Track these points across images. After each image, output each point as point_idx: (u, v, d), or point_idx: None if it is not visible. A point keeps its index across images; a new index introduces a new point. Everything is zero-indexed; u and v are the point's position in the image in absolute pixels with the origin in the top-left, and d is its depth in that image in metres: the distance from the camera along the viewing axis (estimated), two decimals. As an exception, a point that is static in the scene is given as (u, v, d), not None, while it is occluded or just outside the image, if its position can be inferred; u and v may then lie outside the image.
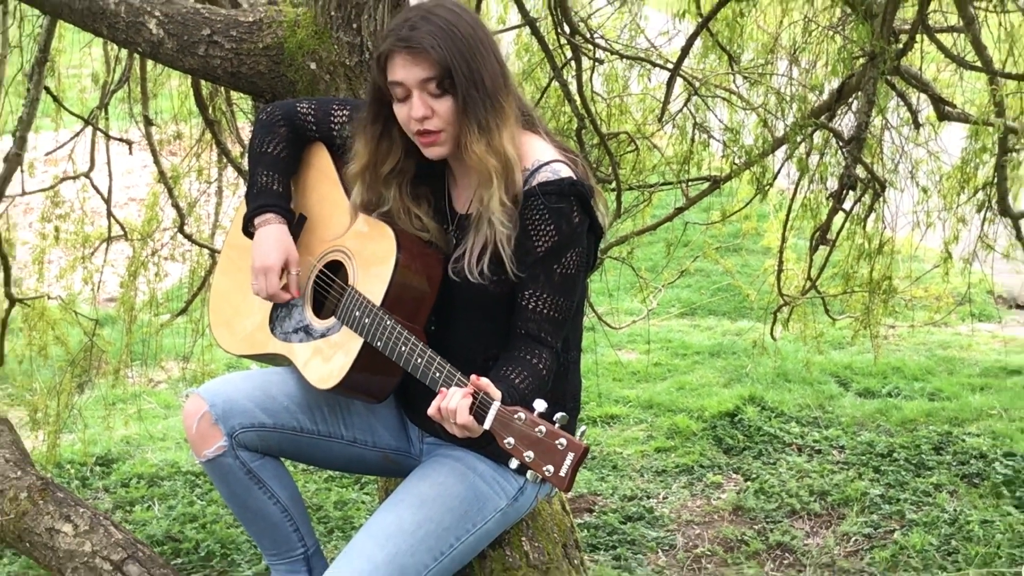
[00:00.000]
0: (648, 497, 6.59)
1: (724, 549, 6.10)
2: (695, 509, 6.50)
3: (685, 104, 6.36)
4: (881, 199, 6.03)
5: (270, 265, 3.24)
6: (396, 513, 3.12)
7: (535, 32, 5.66)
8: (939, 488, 6.54)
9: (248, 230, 3.34)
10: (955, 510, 6.30)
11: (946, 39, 5.76)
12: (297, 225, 3.37)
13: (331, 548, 5.84)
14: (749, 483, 6.67)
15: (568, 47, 5.97)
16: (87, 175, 6.57)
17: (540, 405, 2.74)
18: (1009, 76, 5.48)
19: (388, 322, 3.04)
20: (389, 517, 3.11)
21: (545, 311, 3.06)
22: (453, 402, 2.81)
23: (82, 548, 3.44)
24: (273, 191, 3.33)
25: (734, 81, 6.37)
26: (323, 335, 3.23)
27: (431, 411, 2.85)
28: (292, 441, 3.30)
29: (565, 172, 3.05)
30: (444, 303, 3.15)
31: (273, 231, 3.28)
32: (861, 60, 5.22)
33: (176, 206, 6.50)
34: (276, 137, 3.37)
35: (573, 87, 5.82)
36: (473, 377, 2.81)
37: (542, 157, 3.07)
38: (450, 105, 3.00)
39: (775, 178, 6.21)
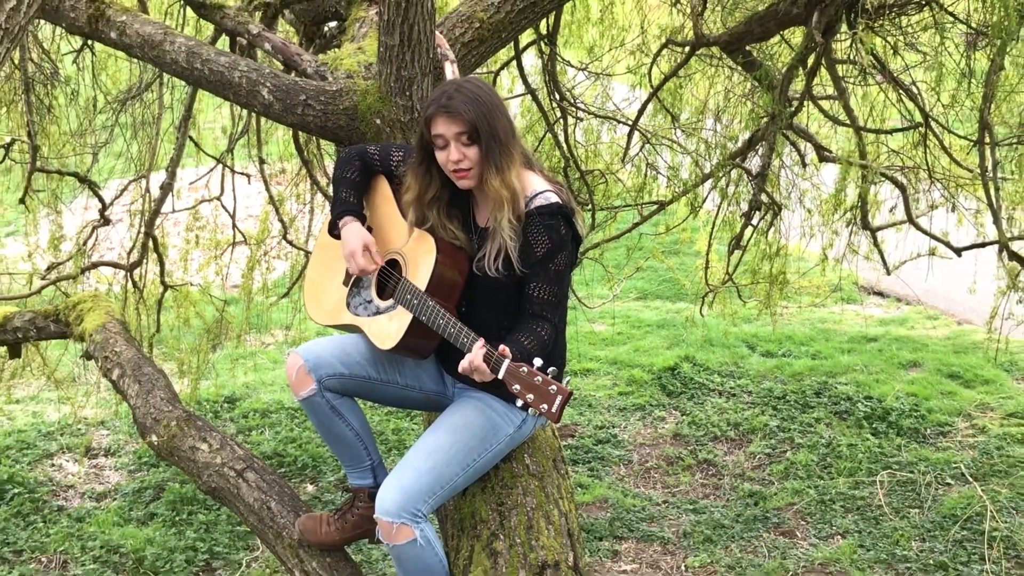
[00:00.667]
0: (613, 427, 6.60)
1: (667, 464, 6.10)
2: (646, 435, 6.50)
3: (640, 149, 6.36)
4: (778, 217, 6.03)
5: (355, 249, 3.23)
6: (435, 437, 3.12)
7: (535, 98, 5.66)
8: (819, 421, 6.55)
9: (333, 232, 3.33)
10: (830, 437, 6.30)
11: (825, 104, 5.75)
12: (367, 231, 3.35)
13: (390, 460, 5.86)
14: (684, 417, 6.68)
15: (558, 109, 5.97)
16: (218, 199, 6.58)
17: (538, 362, 2.75)
18: (868, 130, 5.48)
19: (430, 303, 3.04)
20: (430, 439, 3.11)
21: (544, 297, 3.06)
22: (476, 358, 2.81)
23: (215, 460, 3.44)
24: (351, 203, 3.32)
25: (675, 133, 6.38)
26: (384, 311, 3.22)
27: (462, 366, 2.86)
28: (363, 385, 3.29)
29: (554, 198, 3.05)
30: (471, 290, 3.15)
31: (355, 226, 3.27)
32: (765, 119, 5.22)
33: (281, 220, 6.50)
34: (352, 168, 3.36)
35: (561, 137, 5.82)
36: (501, 347, 2.81)
37: (538, 188, 3.08)
38: (476, 151, 3.01)
39: (704, 202, 6.21)
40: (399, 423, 6.63)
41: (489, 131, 2.98)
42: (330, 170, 6.56)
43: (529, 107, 6.61)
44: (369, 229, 3.36)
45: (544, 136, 6.26)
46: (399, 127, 3.80)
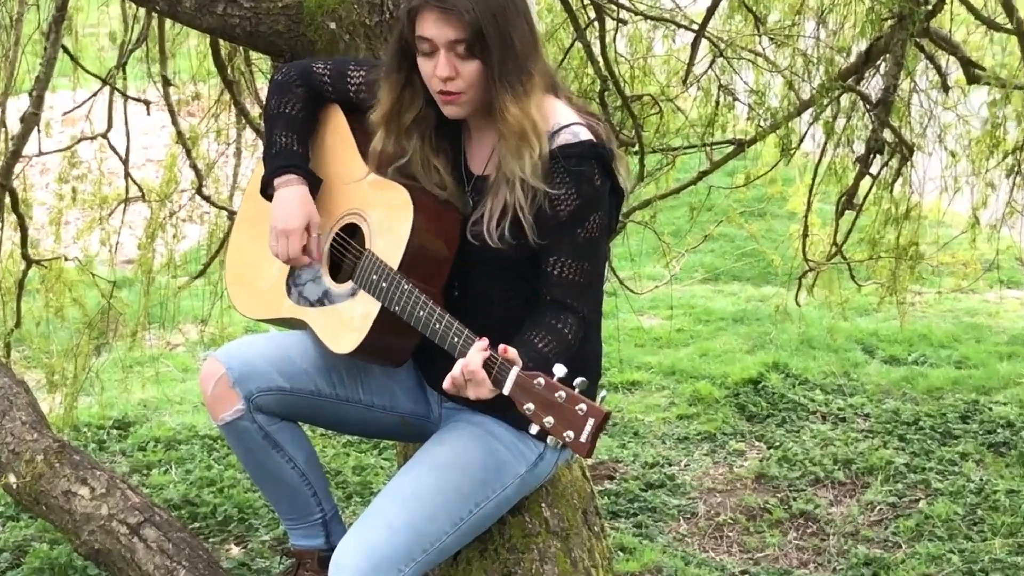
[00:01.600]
0: (670, 464, 6.61)
1: (746, 517, 6.11)
2: (717, 477, 6.51)
3: (710, 66, 6.34)
4: (908, 163, 6.02)
5: (292, 228, 3.24)
6: (415, 478, 3.13)
7: (558, -8, 5.64)
8: (965, 457, 6.54)
9: (267, 192, 3.34)
10: (981, 480, 6.29)
11: (976, 0, 5.73)
12: (314, 187, 3.35)
13: (349, 513, 5.86)
14: (772, 451, 6.67)
15: (591, 7, 5.96)
16: (104, 136, 6.57)
17: (560, 370, 2.74)
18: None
19: (405, 286, 3.04)
20: (408, 482, 3.12)
21: (570, 276, 3.06)
22: (473, 365, 2.82)
23: (99, 511, 3.45)
24: (293, 152, 3.32)
25: (760, 43, 6.35)
26: (341, 300, 3.23)
27: (452, 376, 2.86)
28: (310, 405, 3.30)
29: (585, 135, 3.05)
30: (463, 266, 3.15)
31: (295, 192, 3.27)
32: (889, 22, 5.20)
33: (194, 167, 6.49)
34: (293, 97, 3.36)
35: (596, 48, 5.80)
36: (502, 347, 2.81)
37: (562, 120, 3.07)
38: (475, 69, 3.00)
39: (801, 141, 6.19)
40: (363, 458, 6.63)
41: (501, 41, 2.98)
42: (264, 96, 6.55)
43: (550, 4, 6.58)
44: (317, 183, 3.36)
45: (571, 47, 6.24)
46: (363, 33, 3.80)
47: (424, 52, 3.03)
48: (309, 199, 3.29)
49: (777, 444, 6.73)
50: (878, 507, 6.15)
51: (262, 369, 3.25)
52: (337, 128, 3.39)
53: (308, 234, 3.26)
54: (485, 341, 2.85)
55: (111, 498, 3.48)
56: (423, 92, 3.11)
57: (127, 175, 6.64)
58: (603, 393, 2.77)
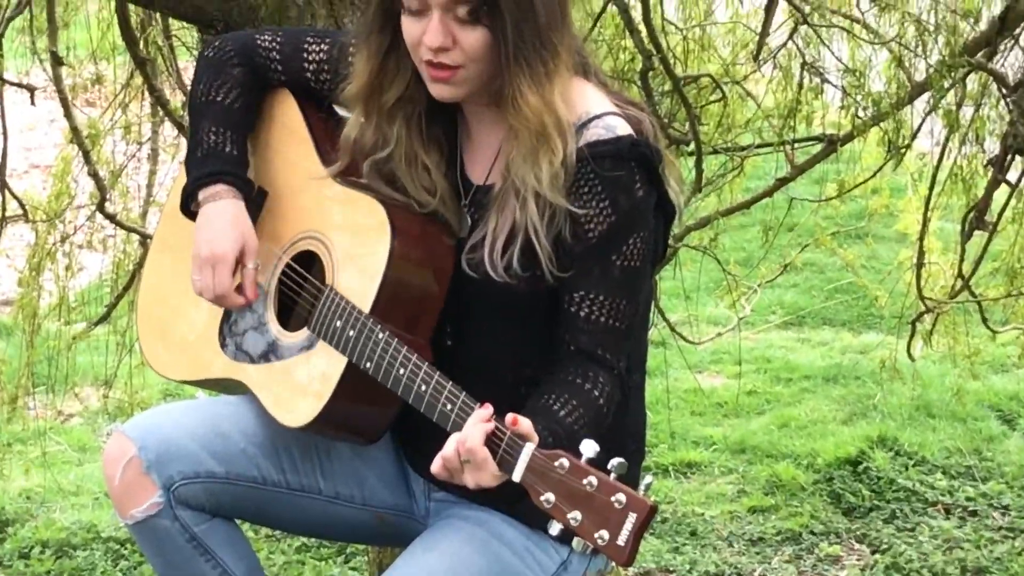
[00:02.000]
0: (739, 575, 6.60)
1: (843, 647, 6.10)
2: (803, 592, 6.51)
3: (790, 37, 6.35)
4: (1058, 168, 6.03)
5: (220, 254, 3.23)
6: (395, 597, 3.14)
7: (585, -61, 5.67)
8: None
9: (190, 207, 3.34)
10: None
11: None
12: (255, 202, 3.36)
13: (305, 643, 5.86)
14: (878, 556, 6.68)
15: (630, -42, 5.98)
16: (-27, 133, 6.60)
17: (590, 448, 2.74)
18: None
19: (380, 335, 3.04)
20: (385, 603, 3.13)
21: (602, 319, 3.06)
22: (473, 441, 2.80)
23: (-34, 642, 3.46)
24: (224, 154, 3.32)
25: (858, 5, 6.37)
26: (292, 353, 3.24)
27: (444, 456, 2.85)
28: (251, 496, 3.31)
29: (623, 129, 3.05)
30: (458, 307, 3.16)
31: (224, 208, 3.27)
32: (1031, -23, 5.22)
33: (95, 175, 6.50)
34: (228, 80, 3.37)
35: (637, 13, 5.82)
36: (510, 418, 2.80)
37: (593, 108, 3.07)
38: (481, 38, 3.00)
39: (914, 138, 6.20)
40: (323, 568, 6.64)
41: (522, 3, 2.98)
42: (190, 79, 6.57)
43: (574, -44, 6.61)
44: (262, 196, 3.38)
45: (603, 10, 6.26)
46: (322, -3, 3.82)
47: (411, 9, 3.03)
48: (244, 217, 3.29)
49: (884, 547, 6.73)
50: (1023, 634, 6.14)
51: (187, 448, 3.25)
52: (288, 122, 3.40)
53: (242, 264, 3.26)
54: (488, 409, 2.84)
55: (-18, 624, 3.49)
56: (411, 65, 3.12)
57: (3, 186, 6.65)
58: (648, 479, 2.76)
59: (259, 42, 3.39)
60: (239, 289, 3.27)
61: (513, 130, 3.03)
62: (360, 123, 3.19)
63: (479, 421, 2.82)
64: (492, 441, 2.81)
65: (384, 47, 3.12)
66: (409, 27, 3.04)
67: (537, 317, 3.12)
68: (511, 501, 2.91)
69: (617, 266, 3.04)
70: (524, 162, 3.02)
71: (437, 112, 3.17)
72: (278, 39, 3.39)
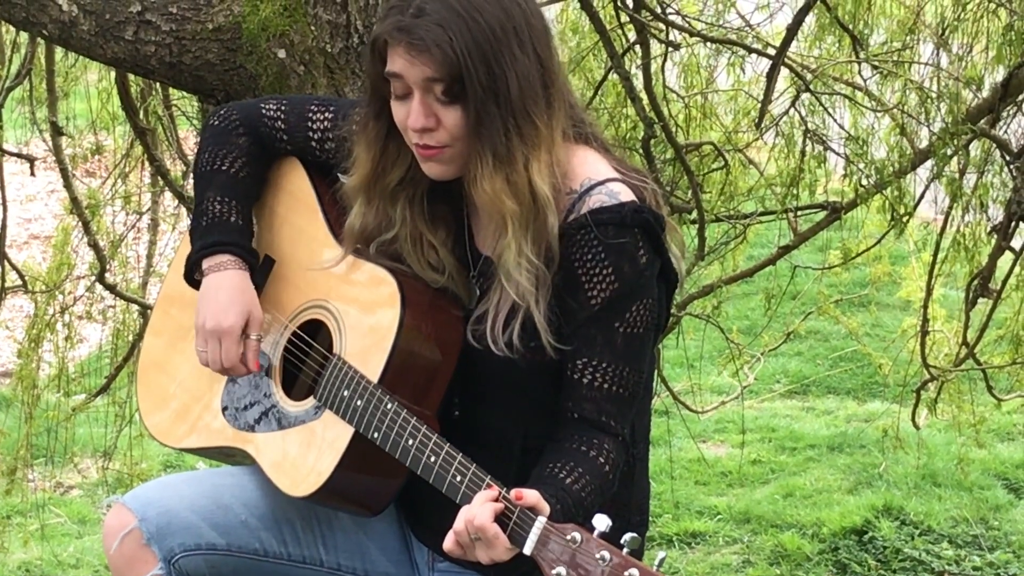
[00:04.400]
0: (745, 648, 6.59)
1: None
2: (810, 665, 6.49)
3: (792, 104, 6.37)
4: (1063, 233, 6.03)
5: (226, 328, 3.23)
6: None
7: (586, 6, 5.68)
8: None
9: (194, 277, 3.34)
10: None
11: None
12: (261, 271, 3.36)
13: None
14: (885, 628, 6.65)
15: (631, 27, 6.00)
16: (-27, 203, 6.61)
17: (602, 523, 2.74)
18: None
19: (389, 405, 3.04)
20: None
21: (606, 386, 3.06)
22: (482, 517, 2.79)
23: None
24: (229, 224, 3.32)
25: (860, 72, 6.39)
26: (297, 423, 3.23)
27: (455, 532, 2.84)
28: (252, 568, 3.30)
29: (626, 195, 3.05)
30: (468, 379, 3.15)
31: (229, 279, 3.27)
32: (1035, 43, 5.23)
33: (95, 246, 6.52)
34: (233, 149, 3.37)
35: (638, 81, 5.84)
36: (515, 493, 2.79)
37: (595, 175, 3.08)
38: (460, 116, 3.01)
39: (916, 206, 6.21)
40: (325, 641, 6.61)
41: (488, 84, 2.99)
42: (189, 150, 6.58)
43: (575, 22, 6.63)
44: (268, 264, 3.38)
45: (604, 79, 6.29)
46: (322, 63, 3.84)
47: (397, 94, 3.05)
48: (249, 288, 3.29)
49: (892, 618, 6.71)
50: None
51: (187, 520, 3.25)
52: (295, 190, 3.40)
53: (246, 336, 3.26)
54: (495, 491, 2.83)
55: None
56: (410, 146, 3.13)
57: (3, 257, 6.66)
58: (662, 555, 2.77)
59: (264, 111, 3.40)
60: (243, 359, 3.27)
61: (487, 212, 3.05)
62: (363, 211, 3.19)
63: (486, 500, 2.82)
64: (502, 516, 2.81)
65: (383, 133, 3.14)
66: (397, 111, 3.06)
67: (542, 388, 3.11)
68: (520, 573, 2.90)
69: (621, 333, 3.04)
70: (500, 244, 3.03)
71: (440, 191, 3.18)
72: (283, 108, 3.40)
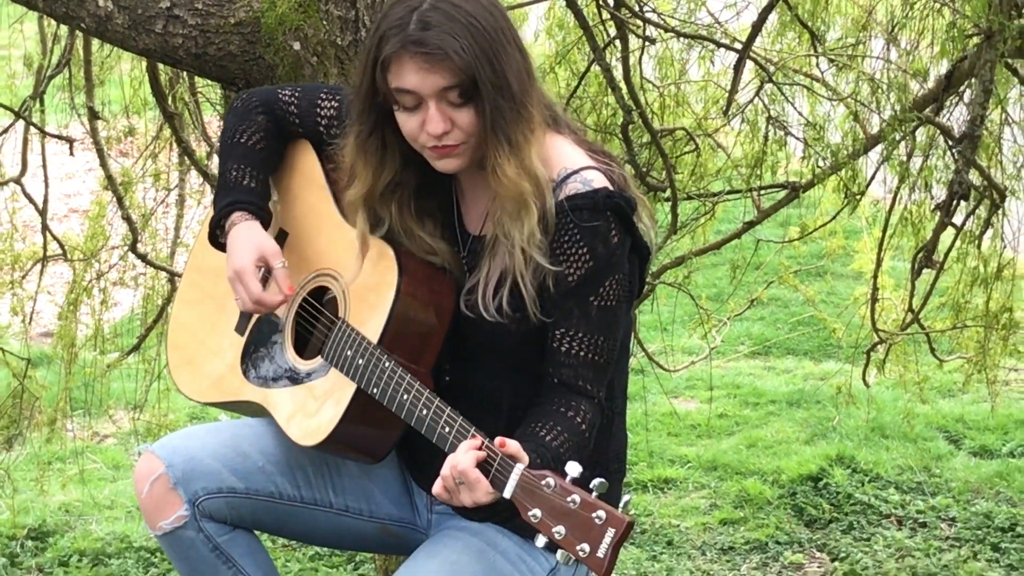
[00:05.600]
0: (711, 581, 6.59)
1: (805, 647, 6.08)
2: (769, 596, 6.49)
3: (757, 93, 6.35)
4: (1000, 211, 6.02)
5: (240, 268, 3.21)
6: (398, 600, 3.13)
7: (571, 4, 5.67)
8: (1074, 571, 6.52)
9: (217, 240, 3.34)
10: (1095, 599, 6.27)
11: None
12: (277, 240, 3.36)
13: (317, 643, 5.84)
14: (837, 564, 6.66)
15: (612, 23, 5.98)
16: (18, 181, 6.59)
17: (573, 469, 2.77)
18: None
19: (387, 364, 3.05)
20: (389, 605, 3.12)
21: (582, 354, 3.07)
22: (465, 463, 2.81)
23: (9, 642, 3.45)
24: (243, 187, 3.32)
25: (818, 65, 6.38)
26: (307, 379, 3.23)
27: (436, 491, 2.86)
28: (269, 510, 3.30)
29: (599, 181, 3.06)
30: (459, 342, 3.16)
31: (238, 230, 3.27)
32: (975, 39, 5.21)
33: (127, 219, 6.51)
34: (252, 126, 3.37)
35: (618, 72, 5.83)
36: (499, 440, 2.81)
37: (570, 164, 3.09)
38: (472, 115, 3.01)
39: (868, 185, 6.20)
40: (335, 575, 6.62)
41: (496, 82, 3.00)
42: (213, 133, 6.57)
43: (561, 19, 6.61)
44: (282, 237, 3.38)
45: (588, 70, 6.27)
46: (333, 55, 3.83)
47: (406, 106, 3.03)
48: (259, 231, 3.28)
49: (843, 555, 6.71)
50: (968, 634, 6.12)
51: (210, 466, 3.25)
52: (307, 171, 3.40)
53: (269, 268, 3.24)
54: (478, 440, 2.85)
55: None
56: (399, 150, 3.13)
57: (45, 229, 6.65)
58: (627, 497, 2.77)
59: (280, 96, 3.40)
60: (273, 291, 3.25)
61: (497, 195, 3.03)
62: (364, 218, 3.19)
63: (470, 448, 2.83)
64: (485, 463, 2.82)
65: (378, 146, 3.13)
66: (406, 121, 3.04)
67: (527, 352, 3.13)
68: (504, 515, 2.91)
69: (595, 306, 3.06)
70: (509, 221, 3.03)
71: (427, 187, 3.18)
72: (296, 94, 3.40)
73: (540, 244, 3.02)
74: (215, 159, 3.64)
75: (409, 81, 2.99)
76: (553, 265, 3.02)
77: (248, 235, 3.27)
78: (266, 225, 3.32)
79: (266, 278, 3.25)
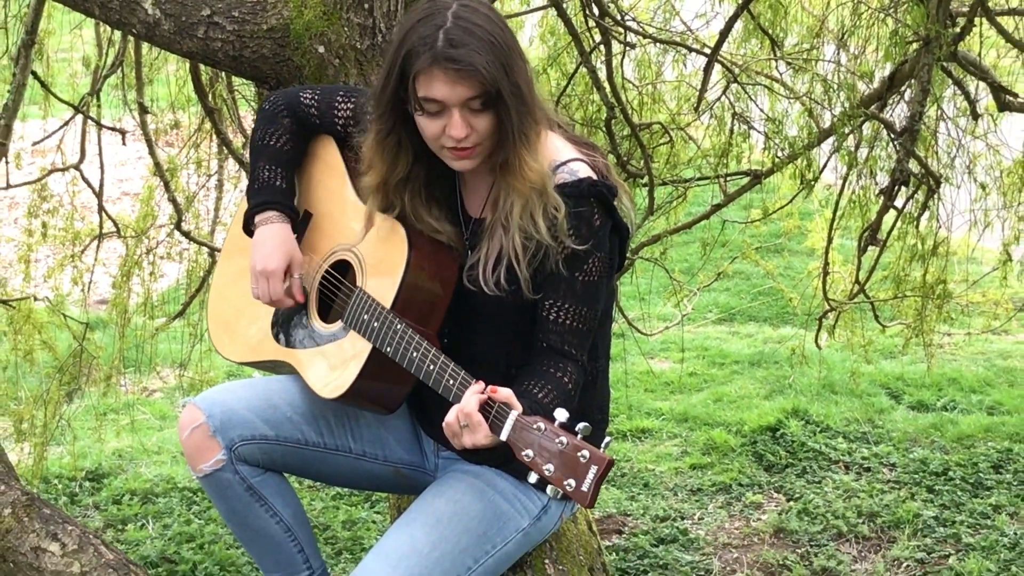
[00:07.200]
0: (682, 518, 6.59)
1: (765, 574, 6.09)
2: (733, 531, 6.49)
3: (723, 92, 6.35)
4: (935, 196, 6.01)
5: (272, 269, 3.26)
6: (409, 533, 3.13)
7: (561, 14, 5.66)
8: (998, 510, 6.52)
9: (249, 228, 3.36)
10: (1016, 533, 6.27)
11: (1007, 23, 5.74)
12: (302, 222, 3.38)
13: (339, 571, 5.85)
14: (792, 503, 6.66)
15: (597, 30, 5.98)
16: (77, 167, 6.58)
17: (561, 415, 2.79)
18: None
19: (399, 326, 3.05)
20: (402, 537, 3.12)
21: (568, 322, 3.09)
22: (469, 406, 2.83)
23: (70, 569, 3.45)
24: (275, 187, 3.34)
25: (777, 67, 6.37)
26: (329, 340, 3.24)
27: (447, 421, 2.88)
28: (296, 455, 3.31)
29: (583, 172, 3.08)
30: (463, 311, 3.17)
31: (275, 230, 3.29)
32: (915, 45, 5.21)
33: (173, 201, 6.51)
34: (279, 128, 3.38)
35: (602, 73, 5.82)
36: (489, 388, 2.83)
37: (559, 157, 3.11)
38: (491, 121, 3.02)
39: (821, 173, 6.19)
40: (353, 512, 6.62)
41: (514, 91, 3.02)
42: (248, 125, 6.57)
43: (553, 27, 6.60)
44: (307, 218, 3.38)
45: (576, 72, 6.26)
46: (353, 58, 3.82)
47: (430, 112, 3.03)
48: (291, 238, 3.31)
49: (797, 496, 6.72)
50: (905, 563, 6.13)
51: (245, 417, 3.26)
52: (329, 160, 3.41)
53: (290, 275, 3.28)
54: (481, 384, 2.87)
55: (83, 555, 3.47)
56: (412, 147, 3.13)
57: (101, 209, 6.64)
58: (607, 439, 2.79)
59: (302, 98, 3.41)
60: (289, 293, 3.29)
61: (518, 192, 3.04)
62: (376, 201, 3.20)
63: (474, 392, 2.85)
64: (484, 409, 2.84)
65: (395, 144, 3.14)
66: (428, 125, 3.04)
67: (521, 320, 3.15)
68: (502, 460, 2.93)
69: (580, 281, 3.08)
70: (528, 214, 3.04)
71: (434, 178, 3.19)
72: (316, 96, 3.41)
73: (538, 227, 3.04)
74: (249, 151, 3.67)
75: (438, 92, 2.98)
76: (547, 242, 3.03)
77: (280, 238, 3.30)
78: (294, 225, 3.34)
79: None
